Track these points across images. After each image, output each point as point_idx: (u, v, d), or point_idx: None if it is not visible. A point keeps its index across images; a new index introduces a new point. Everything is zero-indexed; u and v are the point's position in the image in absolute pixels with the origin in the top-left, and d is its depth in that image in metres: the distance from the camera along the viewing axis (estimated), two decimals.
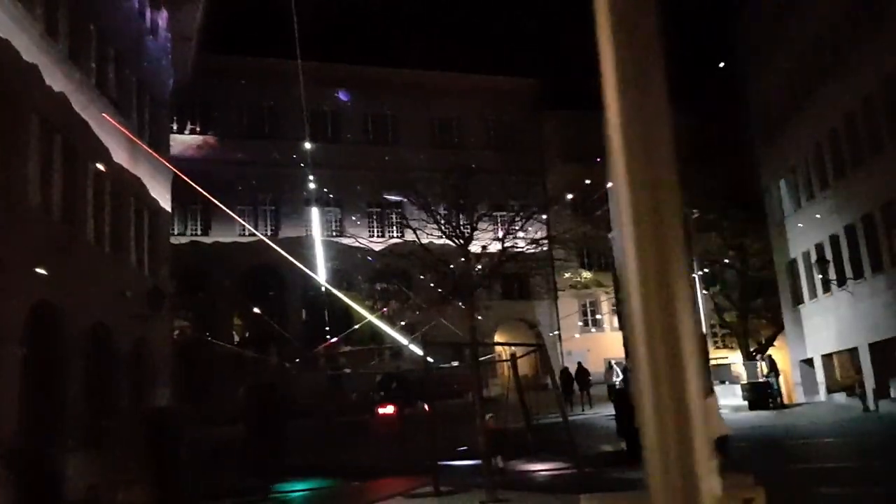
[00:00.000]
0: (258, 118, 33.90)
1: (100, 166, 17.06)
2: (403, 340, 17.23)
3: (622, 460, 15.50)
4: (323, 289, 28.14)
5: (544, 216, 35.22)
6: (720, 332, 32.91)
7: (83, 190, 16.37)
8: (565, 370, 31.41)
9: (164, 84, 23.42)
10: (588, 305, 36.79)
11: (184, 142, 32.06)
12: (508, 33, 51.58)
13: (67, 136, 15.73)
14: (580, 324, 36.52)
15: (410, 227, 14.16)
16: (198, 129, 33.38)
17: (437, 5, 52.35)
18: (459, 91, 35.88)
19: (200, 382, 26.21)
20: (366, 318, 19.83)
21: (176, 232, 31.98)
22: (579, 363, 30.74)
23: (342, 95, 34.87)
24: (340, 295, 23.73)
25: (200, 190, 18.44)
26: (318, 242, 31.97)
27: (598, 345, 35.54)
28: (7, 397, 12.60)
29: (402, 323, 26.67)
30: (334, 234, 32.89)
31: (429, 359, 19.53)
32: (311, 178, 29.14)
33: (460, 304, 16.29)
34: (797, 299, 25.79)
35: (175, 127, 32.66)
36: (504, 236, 14.09)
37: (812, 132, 23.24)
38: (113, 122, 17.85)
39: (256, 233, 29.16)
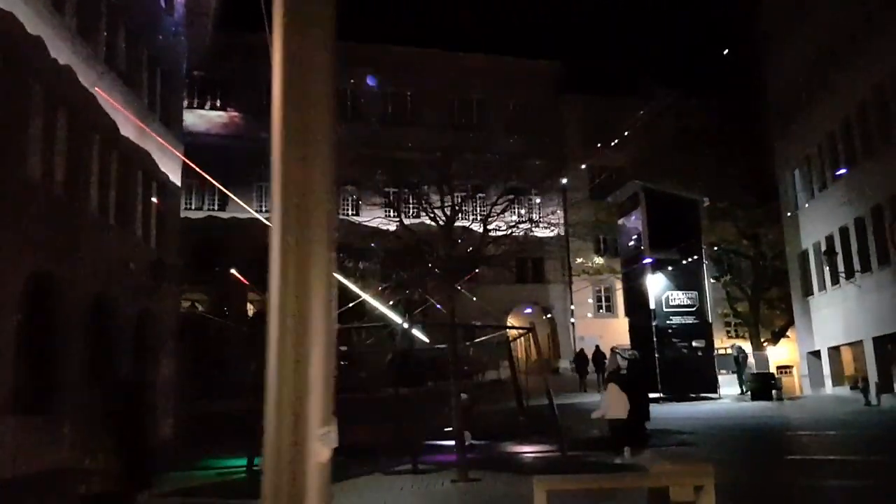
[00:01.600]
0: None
1: (106, 138, 17.36)
2: (404, 321, 17.39)
3: (610, 446, 15.61)
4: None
5: (550, 201, 35.35)
6: (733, 322, 32.70)
7: (87, 161, 16.65)
8: (580, 352, 31.47)
9: (178, 60, 23.63)
10: (603, 291, 36.72)
11: (203, 117, 32.44)
12: (531, 15, 51.12)
13: (73, 108, 15.99)
14: (594, 309, 36.44)
15: (393, 208, 14.24)
16: (218, 104, 33.69)
17: None
18: (480, 72, 35.75)
19: (211, 356, 26.68)
20: (363, 297, 19.98)
21: (193, 206, 32.53)
22: (597, 346, 30.74)
23: (369, 80, 34.85)
24: (341, 278, 23.87)
25: (195, 166, 18.47)
26: None
27: (611, 330, 35.47)
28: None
29: (392, 303, 26.66)
30: (350, 213, 33.10)
31: (422, 337, 19.80)
32: None
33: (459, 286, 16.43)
34: (807, 290, 25.54)
35: (195, 102, 33.13)
36: (486, 218, 14.06)
37: (825, 121, 22.91)
38: (119, 97, 18.12)
39: (250, 208, 29.27)
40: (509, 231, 15.35)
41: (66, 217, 15.56)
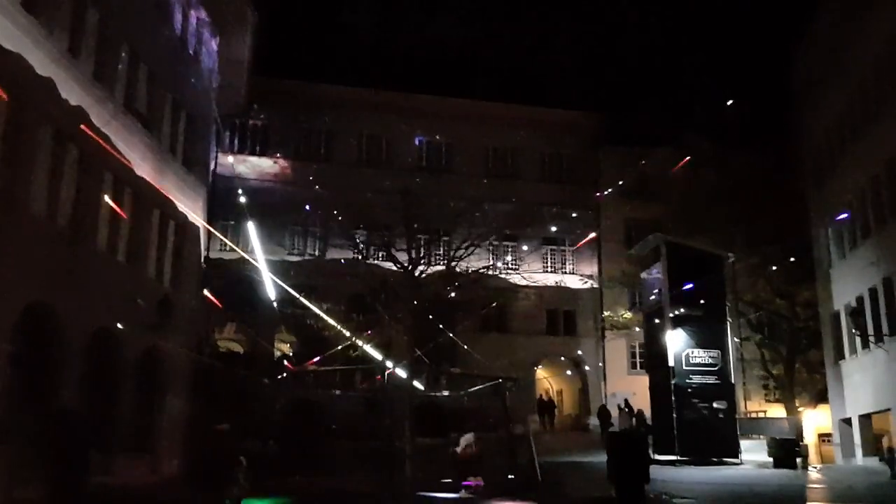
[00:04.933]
0: (315, 141, 34.72)
1: (118, 178, 17.83)
2: (392, 364, 17.23)
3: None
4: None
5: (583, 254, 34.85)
6: (771, 385, 31.45)
7: (96, 199, 17.11)
8: (602, 408, 30.81)
9: (205, 104, 24.29)
10: (638, 346, 35.76)
11: (241, 162, 33.14)
12: (570, 66, 51.40)
13: (83, 148, 16.48)
14: (627, 365, 35.52)
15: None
16: (257, 150, 34.37)
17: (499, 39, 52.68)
18: (517, 122, 35.78)
19: (233, 396, 26.73)
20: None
21: (227, 248, 33.03)
22: (626, 400, 30.02)
23: (418, 138, 35.29)
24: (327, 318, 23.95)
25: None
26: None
27: (644, 387, 34.45)
28: None
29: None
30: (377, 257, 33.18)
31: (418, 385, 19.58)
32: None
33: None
34: (840, 354, 24.43)
35: (236, 147, 33.93)
36: (450, 261, 13.86)
37: (857, 178, 22.16)
38: (136, 138, 18.65)
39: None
40: (477, 273, 15.09)
41: (69, 252, 15.94)
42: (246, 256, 23.52)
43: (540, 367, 35.57)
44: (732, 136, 27.75)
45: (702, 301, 22.70)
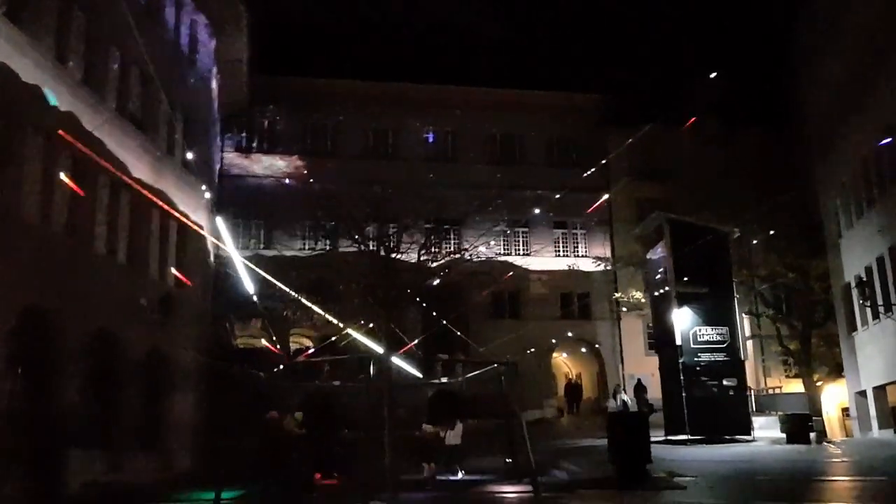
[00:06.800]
0: (321, 136, 34.89)
1: (114, 181, 18.06)
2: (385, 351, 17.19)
3: (601, 485, 15.07)
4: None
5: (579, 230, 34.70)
6: (790, 361, 31.07)
7: (91, 203, 17.35)
8: (616, 387, 30.87)
9: (205, 105, 24.50)
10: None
11: (246, 159, 33.39)
12: (573, 48, 50.95)
13: (75, 153, 16.68)
14: (645, 346, 35.28)
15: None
16: (264, 147, 34.58)
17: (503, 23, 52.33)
18: (521, 107, 35.63)
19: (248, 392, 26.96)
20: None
21: (239, 245, 33.32)
22: (638, 379, 29.90)
23: (423, 128, 35.27)
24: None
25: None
26: None
27: None
28: None
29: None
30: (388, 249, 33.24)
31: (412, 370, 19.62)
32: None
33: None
34: (852, 326, 24.06)
35: (241, 145, 34.18)
36: (425, 250, 13.91)
37: (859, 146, 21.74)
38: (131, 141, 18.88)
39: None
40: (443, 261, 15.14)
41: (64, 255, 16.21)
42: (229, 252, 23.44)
43: (557, 351, 35.52)
44: (738, 112, 27.37)
45: (707, 278, 22.47)
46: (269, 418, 18.16)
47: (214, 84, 26.12)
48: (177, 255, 21.61)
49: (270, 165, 33.76)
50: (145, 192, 19.33)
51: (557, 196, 24.50)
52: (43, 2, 16.06)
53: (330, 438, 22.69)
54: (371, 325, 16.11)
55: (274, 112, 33.55)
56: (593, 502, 14.23)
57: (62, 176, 16.26)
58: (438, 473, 16.79)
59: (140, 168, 19.40)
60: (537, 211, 26.98)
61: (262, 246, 33.92)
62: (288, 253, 32.87)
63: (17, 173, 14.93)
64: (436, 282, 16.83)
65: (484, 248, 23.22)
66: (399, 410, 28.85)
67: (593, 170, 24.70)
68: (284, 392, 26.43)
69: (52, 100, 15.94)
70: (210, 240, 24.11)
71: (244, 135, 34.31)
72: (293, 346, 32.62)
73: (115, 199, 18.47)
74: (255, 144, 34.59)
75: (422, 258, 14.98)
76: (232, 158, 33.08)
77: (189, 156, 22.05)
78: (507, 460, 16.89)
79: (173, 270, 21.31)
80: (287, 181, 32.87)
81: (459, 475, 16.96)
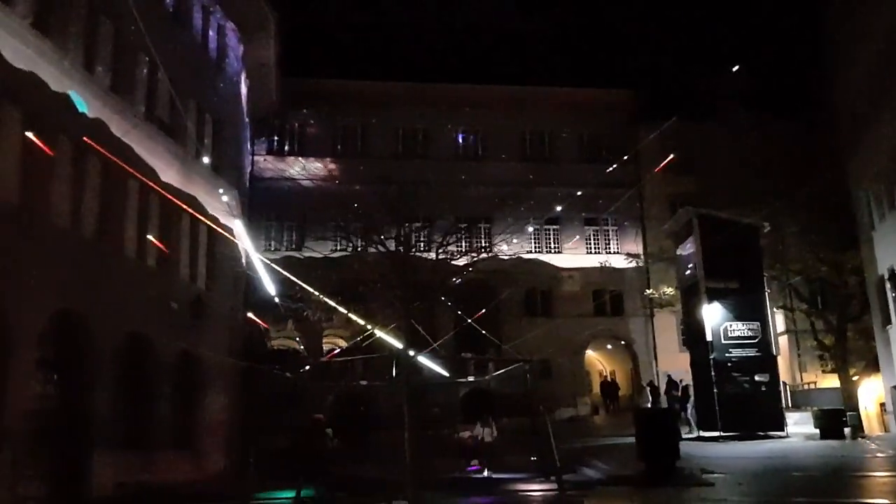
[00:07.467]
0: (351, 138, 35.13)
1: (143, 186, 18.37)
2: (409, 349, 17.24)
3: (629, 482, 15.01)
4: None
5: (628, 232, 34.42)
6: (826, 356, 30.55)
7: (120, 208, 17.68)
8: (650, 383, 30.65)
9: (234, 108, 24.80)
10: None
11: (279, 162, 33.72)
12: (603, 44, 50.51)
13: (104, 158, 17.00)
14: (678, 342, 34.93)
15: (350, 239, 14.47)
16: (296, 149, 34.92)
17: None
18: (552, 104, 35.52)
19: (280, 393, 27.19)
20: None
21: (272, 248, 33.71)
22: (669, 376, 29.68)
23: (453, 128, 35.31)
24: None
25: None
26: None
27: None
28: (19, 396, 13.86)
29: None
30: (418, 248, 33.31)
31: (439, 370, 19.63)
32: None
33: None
34: (887, 319, 23.56)
35: (273, 148, 34.55)
36: (437, 248, 13.94)
37: (892, 137, 21.28)
38: (159, 146, 19.19)
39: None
40: (466, 260, 15.15)
41: (96, 260, 16.54)
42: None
43: (590, 348, 35.34)
44: (768, 104, 26.98)
45: (738, 273, 22.20)
46: (316, 419, 18.47)
47: (243, 88, 26.45)
48: (206, 258, 21.91)
49: (302, 168, 34.03)
50: (174, 196, 19.68)
51: (579, 193, 24.31)
52: (70, 10, 16.38)
53: (356, 439, 22.92)
54: (395, 325, 16.17)
55: (304, 115, 33.86)
56: (620, 499, 14.19)
57: (92, 182, 16.65)
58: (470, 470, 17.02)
59: (169, 173, 19.69)
60: (559, 209, 26.79)
61: (293, 247, 34.22)
62: (318, 255, 33.29)
63: (48, 180, 15.26)
64: (461, 280, 16.81)
65: (506, 247, 23.10)
66: (434, 410, 29.08)
67: (620, 164, 24.79)
68: (315, 392, 26.74)
69: (82, 107, 16.27)
70: (239, 243, 24.40)
71: (275, 138, 34.74)
72: (326, 347, 32.91)
73: (145, 203, 18.77)
74: (286, 147, 34.96)
75: (451, 257, 14.98)
76: (263, 162, 33.41)
77: (218, 160, 22.43)
78: (533, 458, 16.88)
79: (203, 273, 21.65)
80: (318, 183, 33.12)
81: (485, 473, 17.02)
